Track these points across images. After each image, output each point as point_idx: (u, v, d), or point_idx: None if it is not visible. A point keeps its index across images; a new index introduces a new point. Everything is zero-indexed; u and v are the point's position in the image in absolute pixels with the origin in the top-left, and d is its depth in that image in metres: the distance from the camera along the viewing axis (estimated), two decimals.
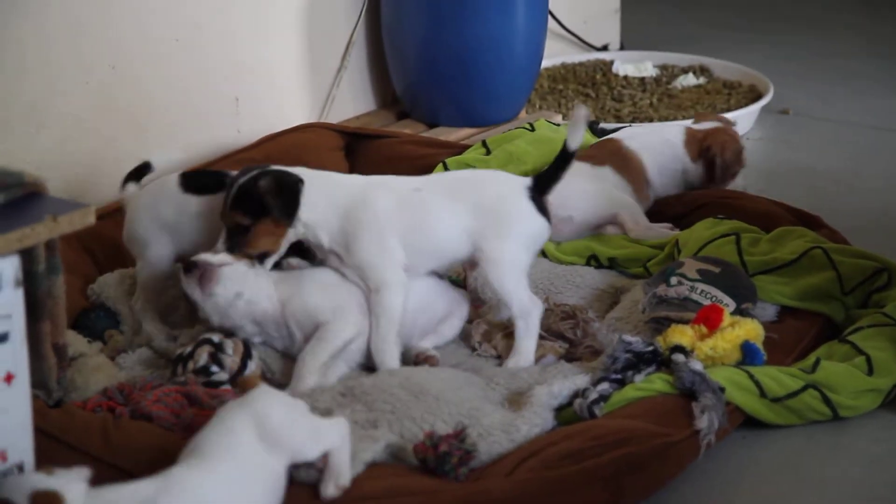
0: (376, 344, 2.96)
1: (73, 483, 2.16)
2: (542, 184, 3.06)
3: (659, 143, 3.82)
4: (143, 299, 3.14)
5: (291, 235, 2.98)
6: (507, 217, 3.02)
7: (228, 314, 2.93)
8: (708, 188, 3.80)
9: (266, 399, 2.43)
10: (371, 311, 2.97)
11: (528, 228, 3.03)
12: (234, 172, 3.03)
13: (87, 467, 2.19)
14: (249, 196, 2.94)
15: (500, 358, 3.05)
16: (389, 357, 2.95)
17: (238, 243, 2.95)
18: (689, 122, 3.94)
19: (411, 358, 3.03)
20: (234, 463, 2.30)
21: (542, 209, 3.05)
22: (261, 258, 2.97)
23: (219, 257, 2.93)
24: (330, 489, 2.44)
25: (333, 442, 2.45)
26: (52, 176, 3.47)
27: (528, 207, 3.03)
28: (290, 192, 2.95)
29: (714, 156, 3.77)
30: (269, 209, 2.93)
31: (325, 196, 3.01)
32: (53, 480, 2.15)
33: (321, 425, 2.46)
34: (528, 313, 3.00)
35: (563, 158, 3.02)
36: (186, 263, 2.94)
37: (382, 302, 2.96)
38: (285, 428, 2.39)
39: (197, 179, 3.13)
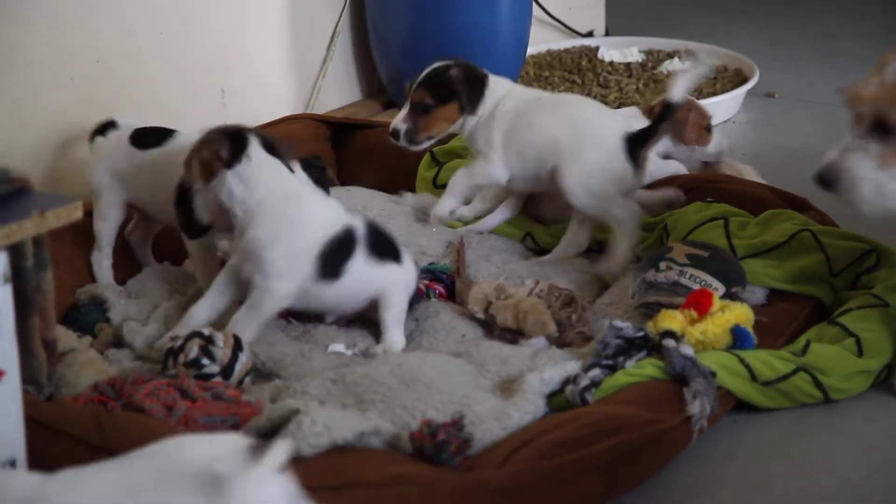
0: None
1: None
2: (640, 135, 3.26)
3: None
4: (96, 247, 3.31)
5: (457, 126, 3.34)
6: (589, 142, 3.23)
7: None
8: (694, 169, 3.81)
9: None
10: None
11: (608, 159, 3.24)
12: (181, 131, 3.24)
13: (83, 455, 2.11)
14: (441, 81, 3.30)
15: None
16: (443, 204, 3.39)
17: (416, 121, 3.31)
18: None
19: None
20: None
21: (634, 157, 3.24)
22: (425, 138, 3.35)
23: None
24: None
25: None
26: (39, 171, 3.49)
27: (617, 144, 3.24)
28: (478, 83, 3.32)
29: (665, 105, 3.84)
30: (457, 96, 3.28)
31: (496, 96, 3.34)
32: None
33: None
34: (621, 221, 3.26)
35: (666, 111, 3.17)
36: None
37: (473, 167, 3.34)
38: None
39: (145, 135, 3.29)
